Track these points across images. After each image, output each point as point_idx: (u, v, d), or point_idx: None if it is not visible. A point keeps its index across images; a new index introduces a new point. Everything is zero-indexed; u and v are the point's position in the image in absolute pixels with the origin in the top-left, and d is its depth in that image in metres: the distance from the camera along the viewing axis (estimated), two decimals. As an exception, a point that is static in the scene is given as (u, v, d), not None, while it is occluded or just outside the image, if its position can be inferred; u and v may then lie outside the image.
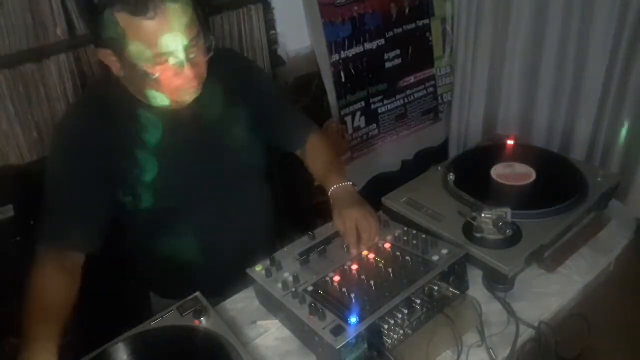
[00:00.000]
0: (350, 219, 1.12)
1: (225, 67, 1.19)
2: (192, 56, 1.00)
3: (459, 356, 0.98)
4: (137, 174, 1.12)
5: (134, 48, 0.95)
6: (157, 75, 0.99)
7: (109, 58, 1.00)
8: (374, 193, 1.36)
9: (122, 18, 0.92)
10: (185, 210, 1.20)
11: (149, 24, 0.93)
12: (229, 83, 1.22)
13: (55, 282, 0.99)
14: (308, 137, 1.36)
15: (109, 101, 1.11)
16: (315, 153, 1.35)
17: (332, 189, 1.22)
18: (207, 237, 1.25)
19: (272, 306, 1.11)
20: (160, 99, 1.06)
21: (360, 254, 1.11)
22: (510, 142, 1.46)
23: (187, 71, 1.00)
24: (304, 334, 0.99)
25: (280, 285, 1.05)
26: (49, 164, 1.13)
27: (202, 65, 1.05)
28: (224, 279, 1.22)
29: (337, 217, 1.15)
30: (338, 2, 2.08)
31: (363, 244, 1.12)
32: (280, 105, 1.36)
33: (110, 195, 1.12)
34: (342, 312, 0.95)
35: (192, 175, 1.18)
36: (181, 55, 0.98)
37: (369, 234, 1.11)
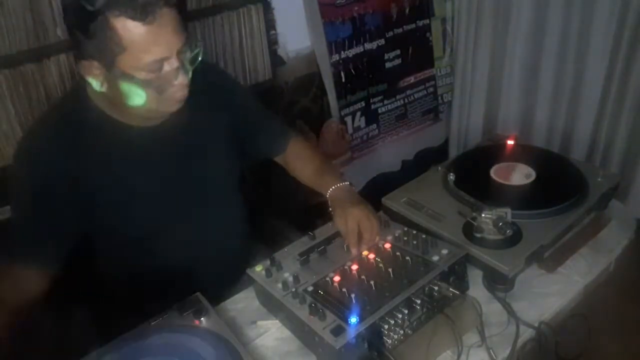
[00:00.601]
0: (353, 218, 1.12)
1: (204, 78, 1.17)
2: (184, 63, 1.00)
3: (459, 356, 0.98)
4: (113, 192, 1.10)
5: (129, 55, 0.93)
6: (151, 82, 0.97)
7: (93, 71, 0.97)
8: (374, 193, 1.36)
9: (119, 23, 0.90)
10: (165, 225, 1.18)
11: (146, 29, 0.91)
12: (209, 95, 1.21)
13: (14, 277, 1.01)
14: (288, 143, 1.37)
15: (79, 118, 1.07)
16: (301, 158, 1.36)
17: (331, 190, 1.22)
18: (188, 249, 1.24)
19: (272, 306, 1.10)
20: (148, 108, 1.03)
21: (360, 253, 1.11)
22: (510, 142, 1.46)
23: (181, 78, 1.00)
24: (304, 334, 0.99)
25: (280, 285, 1.04)
26: (13, 182, 1.09)
27: (190, 73, 1.03)
28: (207, 289, 1.17)
29: (339, 216, 1.15)
30: (338, 2, 2.08)
31: (364, 243, 1.12)
32: (258, 115, 1.37)
33: (79, 218, 1.09)
34: (342, 312, 0.95)
35: (171, 189, 1.17)
36: (175, 63, 0.97)
37: (370, 234, 1.11)
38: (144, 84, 0.97)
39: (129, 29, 0.91)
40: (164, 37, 0.94)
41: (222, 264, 1.30)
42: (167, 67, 0.97)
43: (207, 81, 1.19)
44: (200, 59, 1.04)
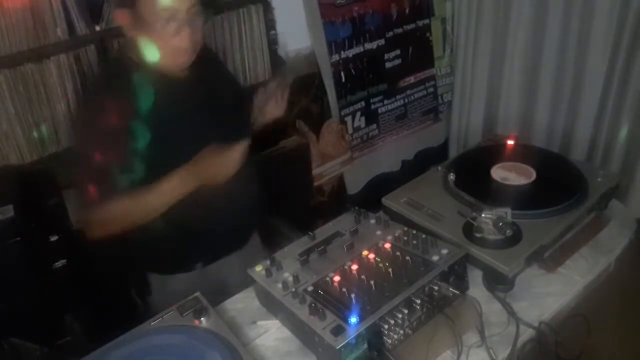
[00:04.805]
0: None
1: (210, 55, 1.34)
2: (190, 19, 1.15)
3: (459, 356, 0.98)
4: (131, 141, 1.19)
5: (145, 1, 1.12)
6: (161, 27, 1.13)
7: (124, 17, 1.16)
8: (374, 193, 1.36)
9: None
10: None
11: None
12: (213, 66, 1.39)
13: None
14: None
15: (122, 71, 1.24)
16: None
17: None
18: (197, 206, 1.27)
19: (272, 306, 1.11)
20: (160, 52, 1.18)
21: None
22: (510, 142, 1.46)
23: (185, 32, 1.15)
24: (304, 334, 0.99)
25: (280, 285, 1.05)
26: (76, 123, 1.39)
27: (198, 32, 1.19)
28: (216, 245, 1.38)
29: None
30: (338, 2, 2.08)
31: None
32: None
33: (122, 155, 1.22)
34: (342, 312, 0.95)
35: (183, 145, 1.23)
36: (183, 15, 1.14)
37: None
38: (153, 28, 1.14)
39: None
40: None
41: (232, 219, 1.37)
42: (175, 18, 1.14)
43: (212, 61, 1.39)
44: (209, 23, 1.24)
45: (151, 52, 1.19)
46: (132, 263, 1.48)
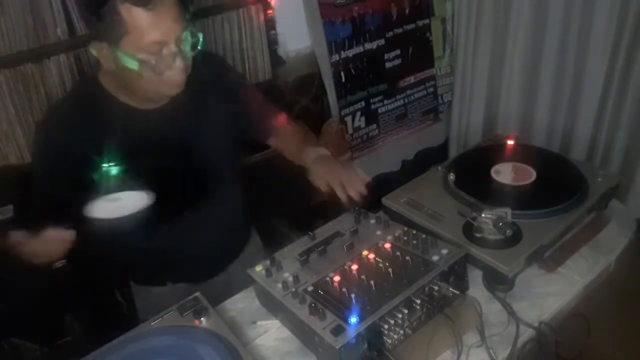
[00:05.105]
0: (330, 170, 1.19)
1: (204, 66, 1.22)
2: (182, 48, 1.06)
3: (459, 356, 0.98)
4: (115, 170, 1.14)
5: (131, 37, 1.01)
6: (150, 63, 1.03)
7: (103, 51, 1.05)
8: (374, 193, 1.36)
9: (124, 8, 0.99)
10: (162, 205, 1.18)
11: (147, 15, 0.99)
12: (209, 82, 1.26)
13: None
14: (272, 129, 1.39)
15: (89, 99, 1.15)
16: (286, 135, 1.38)
17: (310, 156, 1.25)
18: (184, 229, 1.28)
19: (272, 306, 1.11)
20: (149, 89, 1.10)
21: (351, 203, 1.16)
22: (510, 142, 1.46)
23: (178, 62, 1.06)
24: (304, 334, 0.99)
25: (280, 285, 1.05)
26: (34, 150, 1.23)
27: (189, 59, 1.10)
28: (199, 267, 1.36)
29: (316, 173, 1.20)
30: (338, 2, 2.08)
31: (347, 186, 1.17)
32: (251, 97, 1.40)
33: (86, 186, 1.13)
34: (342, 312, 0.95)
35: (170, 170, 1.20)
36: (173, 48, 1.04)
37: (348, 176, 1.17)
38: (144, 65, 1.04)
39: (132, 13, 0.99)
40: (162, 23, 1.02)
41: (215, 248, 1.37)
42: (165, 51, 1.04)
43: (206, 69, 1.25)
44: (199, 47, 1.10)
45: (133, 88, 1.10)
46: (116, 268, 1.48)
